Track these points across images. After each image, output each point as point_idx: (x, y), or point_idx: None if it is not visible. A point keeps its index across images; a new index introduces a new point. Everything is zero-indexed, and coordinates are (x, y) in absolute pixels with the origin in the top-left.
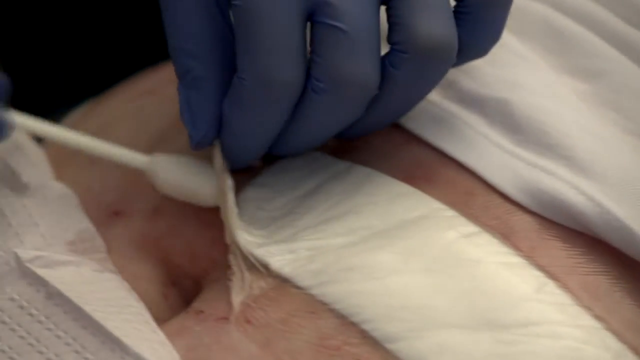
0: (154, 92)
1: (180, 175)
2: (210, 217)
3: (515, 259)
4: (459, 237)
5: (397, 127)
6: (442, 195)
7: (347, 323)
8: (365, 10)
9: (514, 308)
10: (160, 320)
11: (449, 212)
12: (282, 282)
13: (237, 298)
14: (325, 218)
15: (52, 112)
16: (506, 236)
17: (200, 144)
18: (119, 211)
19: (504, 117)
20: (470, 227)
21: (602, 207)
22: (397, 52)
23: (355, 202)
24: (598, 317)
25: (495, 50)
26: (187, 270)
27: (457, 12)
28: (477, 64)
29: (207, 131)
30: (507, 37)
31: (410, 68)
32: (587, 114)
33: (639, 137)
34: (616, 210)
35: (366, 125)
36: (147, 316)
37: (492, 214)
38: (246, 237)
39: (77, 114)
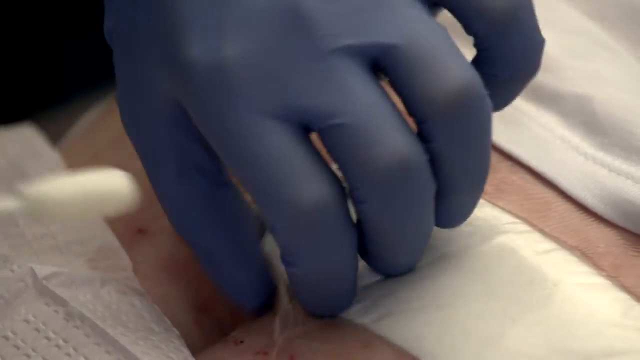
0: None
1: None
2: None
3: (597, 279)
4: (533, 255)
5: None
6: (513, 206)
7: (404, 356)
8: (360, 94)
9: (596, 336)
10: (193, 349)
11: (522, 227)
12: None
13: (281, 330)
14: None
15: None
16: (586, 253)
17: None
18: (144, 229)
19: (584, 116)
20: (546, 244)
21: None
22: (419, 124)
23: None
24: None
25: (574, 40)
26: (222, 296)
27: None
28: (554, 54)
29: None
30: (587, 24)
31: (439, 132)
32: None
33: None
34: None
35: (452, 203)
36: (178, 343)
37: (571, 228)
38: None
39: (87, 119)
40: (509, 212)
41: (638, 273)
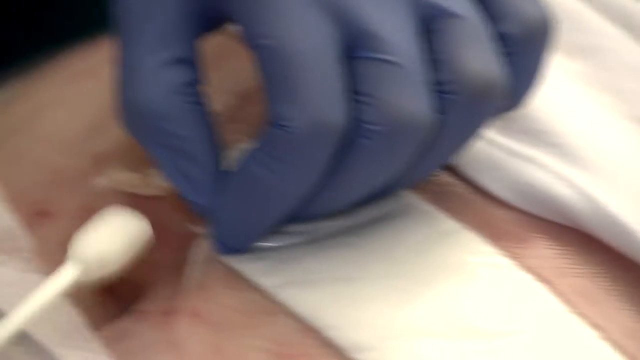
0: (92, 73)
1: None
2: (148, 215)
3: (499, 260)
4: (437, 235)
5: None
6: (416, 188)
7: (307, 329)
8: (411, 41)
9: (497, 315)
10: (96, 326)
11: (426, 207)
12: (236, 277)
13: (187, 287)
14: None
15: None
16: (489, 234)
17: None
18: (46, 211)
19: None
20: (450, 224)
21: (594, 202)
22: (444, 94)
23: None
24: (594, 325)
25: None
26: (125, 277)
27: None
28: None
29: (209, 199)
30: None
31: (458, 112)
32: (579, 96)
33: (635, 121)
34: (611, 204)
35: (407, 179)
36: (79, 322)
37: (472, 209)
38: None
39: (3, 94)
40: (411, 192)
41: (539, 254)
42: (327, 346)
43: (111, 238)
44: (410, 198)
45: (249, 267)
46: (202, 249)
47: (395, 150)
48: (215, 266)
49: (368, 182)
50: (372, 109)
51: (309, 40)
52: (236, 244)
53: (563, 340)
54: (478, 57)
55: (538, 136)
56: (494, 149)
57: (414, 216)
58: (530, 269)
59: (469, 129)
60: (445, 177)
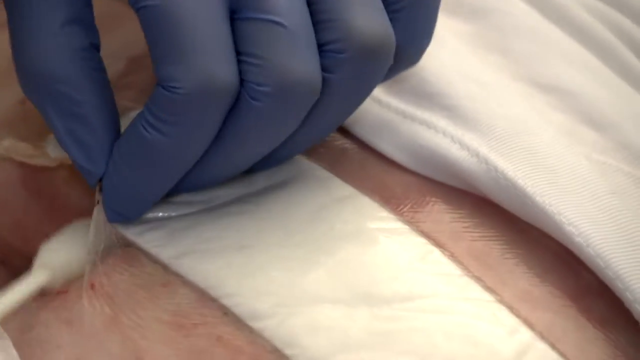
0: None
1: None
2: (41, 187)
3: (396, 225)
4: (332, 201)
5: None
6: (312, 154)
7: (205, 298)
8: (296, 1)
9: (394, 280)
10: None
11: (321, 172)
12: (133, 249)
13: (87, 259)
14: None
15: None
16: (385, 199)
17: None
18: None
19: None
20: (345, 189)
21: (488, 163)
22: (331, 54)
23: None
24: (489, 289)
25: None
26: (18, 249)
27: (388, 12)
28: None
29: (104, 167)
30: None
31: (347, 70)
32: (470, 58)
33: (529, 84)
34: (504, 166)
35: (299, 142)
36: None
37: (369, 174)
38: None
39: None
40: (307, 158)
41: (435, 218)
42: (226, 315)
43: (75, 247)
44: (307, 164)
45: (145, 238)
46: (98, 221)
47: (285, 111)
48: (111, 239)
49: (259, 143)
50: (259, 69)
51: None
52: (128, 211)
53: (458, 304)
54: (364, 15)
55: (430, 99)
56: (388, 112)
57: (310, 182)
58: (425, 234)
59: (359, 88)
60: (342, 142)
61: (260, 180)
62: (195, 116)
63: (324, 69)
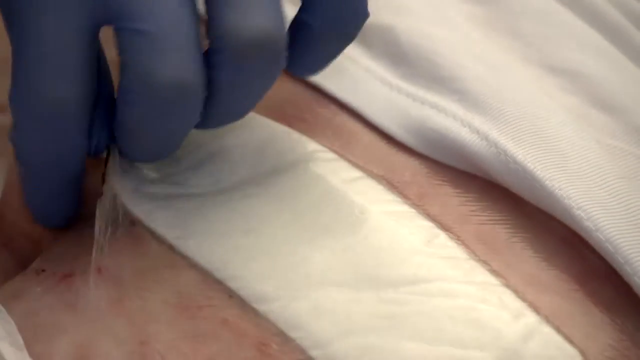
0: None
1: None
2: None
3: (402, 208)
4: (339, 183)
5: None
6: (320, 136)
7: (211, 280)
8: (172, 8)
9: (400, 264)
10: None
11: (329, 155)
12: (140, 231)
13: (89, 245)
14: (189, 164)
15: None
16: (392, 182)
17: None
18: None
19: (388, 46)
20: (353, 172)
21: (497, 147)
22: (213, 51)
23: (222, 145)
24: (495, 272)
25: None
26: (23, 229)
27: None
28: None
29: None
30: None
31: (230, 68)
32: (482, 41)
33: (540, 66)
34: (514, 150)
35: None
36: None
37: (377, 157)
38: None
39: None
40: (315, 141)
41: (442, 201)
42: (231, 297)
43: None
44: (314, 147)
45: (153, 217)
46: (106, 203)
47: (160, 114)
48: (118, 222)
49: (146, 138)
50: (127, 75)
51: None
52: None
53: (464, 288)
54: (244, 13)
55: (441, 82)
56: (398, 95)
57: (317, 165)
58: (432, 217)
59: (251, 84)
60: (350, 124)
61: (268, 162)
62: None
63: (209, 65)
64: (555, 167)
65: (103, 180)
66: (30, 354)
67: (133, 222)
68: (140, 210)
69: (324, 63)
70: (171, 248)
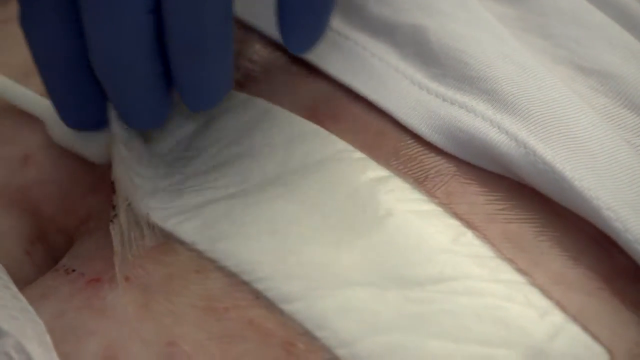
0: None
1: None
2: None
3: (429, 207)
4: (368, 182)
5: (299, 59)
6: (349, 135)
7: (237, 282)
8: None
9: (427, 262)
10: (24, 282)
11: (357, 154)
12: (166, 237)
13: (117, 251)
14: (216, 163)
15: None
16: (419, 181)
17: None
18: None
19: (418, 46)
20: (380, 171)
21: (526, 147)
22: None
23: (250, 143)
24: (522, 271)
25: None
26: (58, 222)
27: None
28: None
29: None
30: None
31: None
32: (512, 41)
33: (571, 67)
34: (543, 150)
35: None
36: (6, 280)
37: (405, 156)
38: (132, 179)
39: None
40: (344, 139)
41: (469, 200)
42: (258, 298)
43: None
44: (342, 145)
45: (183, 228)
46: (138, 207)
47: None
48: (145, 228)
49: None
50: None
51: None
52: None
53: (490, 286)
54: None
55: (470, 82)
56: (428, 95)
57: (345, 164)
58: (459, 216)
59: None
60: (378, 123)
61: (296, 160)
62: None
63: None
64: (584, 168)
65: (113, 190)
66: (59, 354)
67: (160, 233)
68: (170, 224)
69: (311, 35)
70: (199, 253)
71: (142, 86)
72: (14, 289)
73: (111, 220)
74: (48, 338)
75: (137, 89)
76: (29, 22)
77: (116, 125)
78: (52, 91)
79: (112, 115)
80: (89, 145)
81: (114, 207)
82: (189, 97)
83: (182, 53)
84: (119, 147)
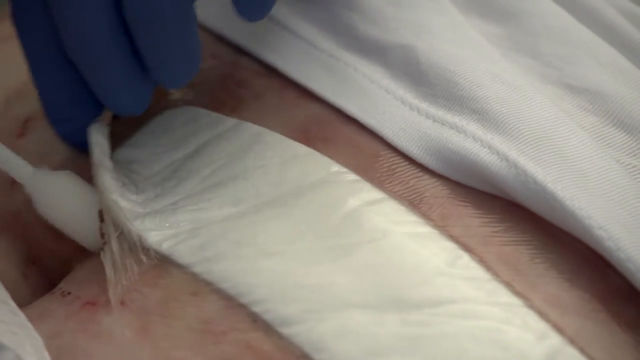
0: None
1: (61, 204)
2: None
3: (425, 229)
4: (362, 205)
5: (290, 81)
6: (342, 157)
7: (234, 305)
8: None
9: (423, 285)
10: (21, 303)
11: (350, 176)
12: (161, 259)
13: (110, 278)
14: (209, 184)
15: None
16: (414, 203)
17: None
18: None
19: (408, 66)
20: (374, 194)
21: (517, 168)
22: None
23: (243, 166)
24: (518, 294)
25: None
26: (50, 247)
27: None
28: (377, 5)
29: None
30: None
31: None
32: (501, 61)
33: (560, 86)
34: (533, 170)
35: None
36: (4, 296)
37: (398, 178)
38: (121, 204)
39: None
40: (337, 162)
41: (465, 223)
42: (255, 322)
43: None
44: (337, 167)
45: (177, 252)
46: (130, 231)
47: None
48: (140, 251)
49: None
50: None
51: None
52: None
53: (488, 309)
54: None
55: (460, 102)
56: (418, 115)
57: (340, 186)
58: (455, 238)
59: None
60: (372, 146)
61: (291, 183)
62: None
63: None
64: (575, 187)
65: (101, 219)
66: None
67: (155, 256)
68: (165, 246)
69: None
70: (195, 275)
71: (113, 62)
72: (13, 304)
73: (101, 249)
74: (46, 354)
75: (108, 65)
76: (17, 15)
77: (98, 152)
78: (38, 87)
79: (93, 139)
80: (77, 228)
81: (102, 235)
82: (158, 71)
83: (142, 24)
84: (104, 175)
